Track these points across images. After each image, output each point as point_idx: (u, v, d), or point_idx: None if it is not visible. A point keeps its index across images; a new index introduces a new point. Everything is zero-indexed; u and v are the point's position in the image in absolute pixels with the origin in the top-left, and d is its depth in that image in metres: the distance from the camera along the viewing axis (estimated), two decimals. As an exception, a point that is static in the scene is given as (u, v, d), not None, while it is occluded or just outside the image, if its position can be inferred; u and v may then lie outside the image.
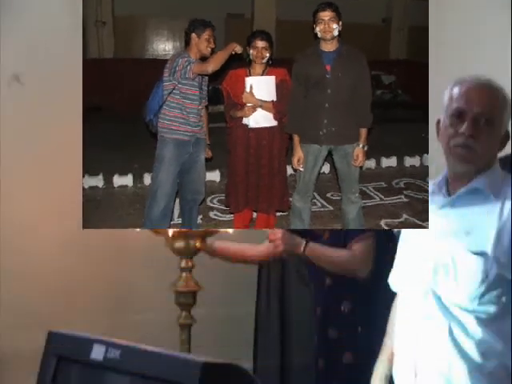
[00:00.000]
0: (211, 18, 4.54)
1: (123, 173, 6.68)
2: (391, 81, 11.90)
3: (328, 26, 4.11)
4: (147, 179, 6.33)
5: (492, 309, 2.00)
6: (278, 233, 2.91)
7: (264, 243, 3.08)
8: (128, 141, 8.20)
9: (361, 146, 4.29)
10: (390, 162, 7.53)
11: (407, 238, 2.22)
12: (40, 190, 3.33)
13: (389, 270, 2.31)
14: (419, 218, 5.62)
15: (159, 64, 4.64)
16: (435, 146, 2.14)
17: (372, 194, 6.42)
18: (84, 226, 3.47)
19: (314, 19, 4.18)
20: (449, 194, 2.11)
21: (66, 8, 3.39)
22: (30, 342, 2.62)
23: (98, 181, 6.54)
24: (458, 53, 3.83)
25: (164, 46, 12.63)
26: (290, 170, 5.11)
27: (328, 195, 6.29)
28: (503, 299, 2.00)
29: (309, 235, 2.95)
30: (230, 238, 3.20)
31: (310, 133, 4.26)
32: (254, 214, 5.01)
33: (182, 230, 3.11)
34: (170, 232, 3.05)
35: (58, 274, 3.32)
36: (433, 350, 2.05)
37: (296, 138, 4.33)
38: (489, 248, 1.99)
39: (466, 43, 3.80)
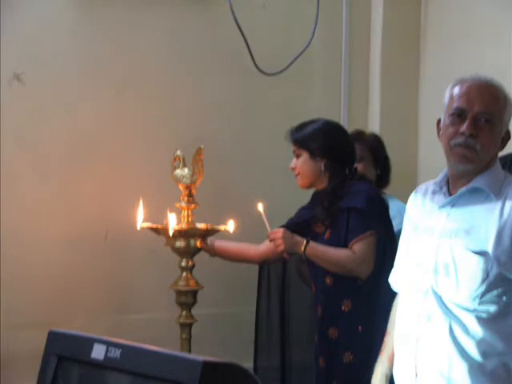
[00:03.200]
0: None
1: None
2: None
3: None
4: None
5: (492, 308, 2.00)
6: (279, 232, 2.91)
7: (264, 243, 3.08)
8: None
9: None
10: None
11: (407, 237, 2.22)
12: (40, 189, 3.32)
13: (389, 270, 2.31)
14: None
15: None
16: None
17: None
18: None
19: None
20: (449, 193, 2.11)
21: (66, 8, 3.39)
22: (31, 341, 2.63)
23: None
24: (450, 52, 3.84)
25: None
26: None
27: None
28: (504, 299, 2.00)
29: (309, 235, 2.95)
30: (230, 238, 3.19)
31: None
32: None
33: (183, 229, 3.10)
34: (171, 232, 3.05)
35: (58, 274, 3.31)
36: (433, 350, 2.05)
37: None
38: (489, 247, 1.98)
39: (459, 41, 3.80)
